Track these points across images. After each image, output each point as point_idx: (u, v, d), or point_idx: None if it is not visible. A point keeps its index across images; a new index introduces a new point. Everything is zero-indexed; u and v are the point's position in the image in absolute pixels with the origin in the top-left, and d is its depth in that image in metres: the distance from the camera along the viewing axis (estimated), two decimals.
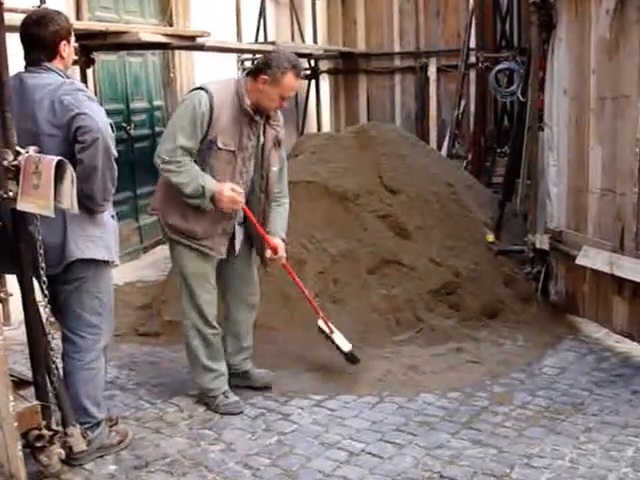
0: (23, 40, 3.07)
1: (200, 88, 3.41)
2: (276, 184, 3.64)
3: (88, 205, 3.01)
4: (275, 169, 3.59)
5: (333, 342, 4.05)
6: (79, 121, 2.91)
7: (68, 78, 3.06)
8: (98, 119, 2.93)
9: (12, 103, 2.82)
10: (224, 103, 3.35)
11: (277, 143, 3.59)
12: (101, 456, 3.24)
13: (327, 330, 4.05)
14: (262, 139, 3.54)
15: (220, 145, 3.38)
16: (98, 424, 3.23)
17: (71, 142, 2.94)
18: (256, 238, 3.69)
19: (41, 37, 3.03)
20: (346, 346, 4.04)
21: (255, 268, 3.84)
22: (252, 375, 3.93)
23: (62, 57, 3.08)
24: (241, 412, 3.66)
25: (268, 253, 3.64)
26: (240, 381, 3.90)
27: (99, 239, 3.08)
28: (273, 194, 3.64)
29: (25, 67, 3.07)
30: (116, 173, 3.05)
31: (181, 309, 3.66)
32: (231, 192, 3.38)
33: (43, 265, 2.89)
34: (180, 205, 3.44)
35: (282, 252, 3.68)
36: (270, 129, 3.55)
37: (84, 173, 2.91)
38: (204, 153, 3.39)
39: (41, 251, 2.87)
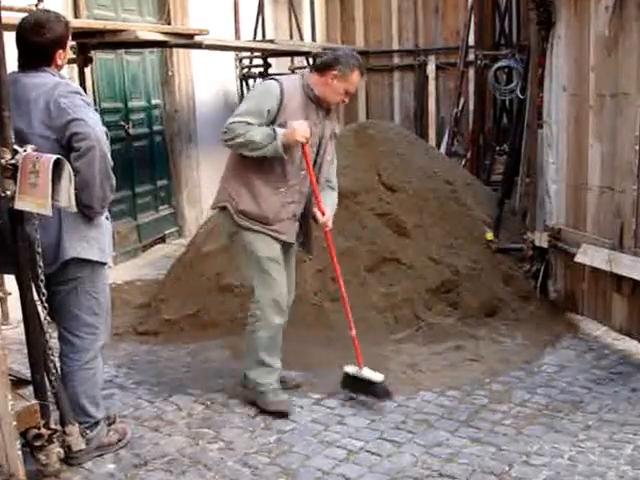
0: (18, 44, 3.03)
1: (270, 79, 3.66)
2: (326, 174, 3.75)
3: (87, 213, 3.01)
4: (329, 159, 3.74)
5: (362, 379, 3.75)
6: (75, 127, 2.89)
7: (62, 78, 3.05)
8: (94, 126, 2.91)
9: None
10: (293, 91, 3.53)
11: (333, 135, 3.74)
12: (100, 455, 3.24)
13: (354, 370, 3.77)
14: (323, 129, 3.67)
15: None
16: (97, 423, 3.23)
17: (63, 146, 2.91)
18: (302, 227, 3.75)
19: (38, 46, 3.01)
20: (378, 377, 3.75)
21: (295, 270, 3.89)
22: (283, 376, 3.84)
23: (57, 65, 3.05)
24: (289, 412, 3.61)
25: (319, 216, 3.66)
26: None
27: (93, 239, 3.07)
28: (323, 183, 3.74)
29: (19, 69, 3.04)
30: (114, 181, 3.04)
31: (254, 300, 3.63)
32: (300, 123, 3.45)
33: (41, 264, 2.89)
34: (251, 190, 3.53)
35: (330, 215, 3.71)
36: (329, 122, 3.70)
37: (82, 182, 2.89)
38: None
39: (39, 250, 2.87)
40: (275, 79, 3.60)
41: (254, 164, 3.51)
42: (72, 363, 3.16)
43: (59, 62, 3.06)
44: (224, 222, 3.68)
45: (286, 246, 3.70)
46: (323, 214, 3.68)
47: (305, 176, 3.59)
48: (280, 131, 3.41)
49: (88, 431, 3.15)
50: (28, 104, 2.94)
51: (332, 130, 3.72)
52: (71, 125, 2.89)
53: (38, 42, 3.00)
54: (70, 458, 3.10)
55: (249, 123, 3.43)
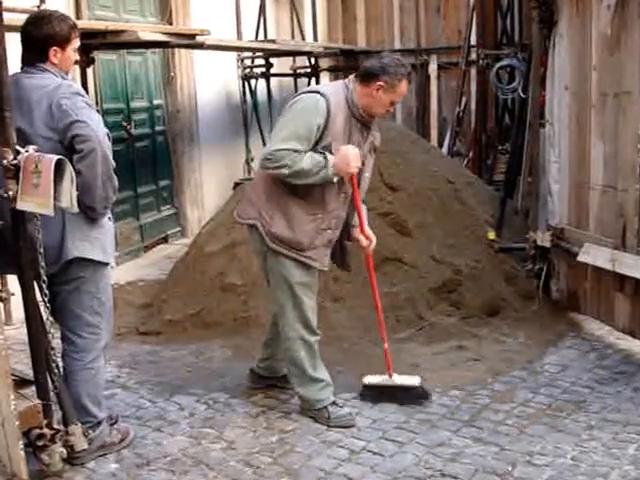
0: (21, 37, 3.05)
1: (315, 92, 3.30)
2: (365, 190, 3.55)
3: (89, 214, 3.02)
4: (367, 175, 3.52)
5: (394, 387, 3.72)
6: (76, 129, 2.89)
7: (65, 79, 3.05)
8: (96, 128, 2.91)
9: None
10: (338, 108, 3.26)
11: (373, 149, 3.52)
12: (102, 455, 3.24)
13: (381, 379, 3.74)
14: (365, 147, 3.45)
15: (334, 151, 3.26)
16: (99, 423, 3.23)
17: (66, 147, 2.92)
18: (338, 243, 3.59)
19: (33, 38, 3.02)
20: (414, 380, 3.73)
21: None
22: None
23: (52, 62, 3.04)
24: (353, 425, 3.49)
25: (363, 241, 3.54)
26: (276, 383, 3.87)
27: (96, 240, 3.08)
28: (363, 198, 3.56)
29: (21, 67, 3.06)
30: (117, 183, 3.05)
31: (285, 322, 3.49)
32: (352, 149, 3.25)
33: (43, 264, 2.89)
34: (286, 214, 3.32)
35: (374, 239, 3.58)
36: (369, 135, 3.45)
37: (84, 184, 2.90)
38: None
39: (41, 250, 2.87)
40: (321, 92, 3.27)
41: (290, 187, 3.29)
42: (74, 363, 3.16)
43: (54, 61, 3.04)
44: (253, 240, 3.48)
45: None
46: (367, 238, 3.54)
47: (345, 200, 3.41)
48: (331, 159, 3.19)
49: (90, 431, 3.15)
50: (30, 105, 2.94)
51: (372, 143, 3.48)
52: (73, 127, 2.89)
53: (34, 35, 3.01)
54: (73, 458, 3.10)
55: (296, 150, 3.16)
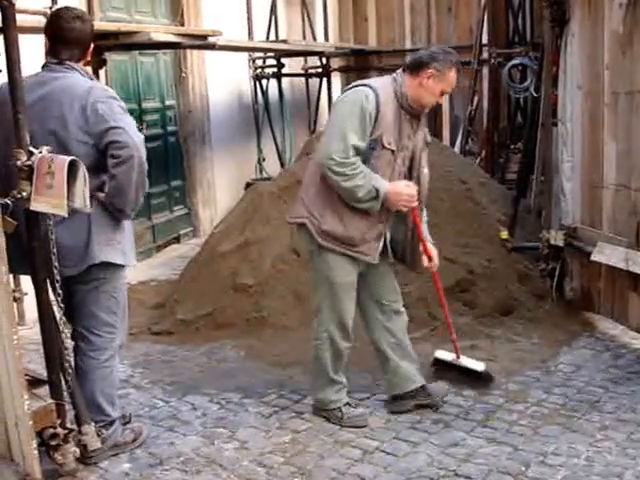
0: (56, 34, 3.02)
1: (363, 85, 3.29)
2: (425, 187, 3.45)
3: (118, 216, 3.05)
4: (426, 171, 3.45)
5: (460, 367, 3.85)
6: (113, 135, 2.90)
7: (91, 79, 3.07)
8: (133, 135, 2.93)
9: (34, 103, 2.86)
10: (387, 101, 3.24)
11: (426, 144, 3.47)
12: (116, 454, 3.25)
13: (450, 357, 3.85)
14: (416, 140, 3.40)
15: (385, 144, 3.23)
16: (112, 422, 3.24)
17: (101, 151, 2.94)
18: (400, 242, 3.51)
19: (82, 33, 3.03)
20: (479, 365, 3.83)
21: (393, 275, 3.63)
22: (429, 388, 3.67)
23: (87, 59, 3.08)
24: (366, 426, 3.48)
25: (425, 261, 3.50)
26: (419, 399, 3.62)
27: (118, 243, 3.11)
28: (424, 198, 3.47)
29: (45, 64, 3.04)
30: (147, 186, 3.08)
31: (319, 321, 3.45)
32: (408, 189, 3.27)
33: (56, 264, 2.90)
34: (337, 210, 3.28)
35: (437, 260, 3.54)
36: (420, 130, 3.41)
37: (117, 188, 2.95)
38: (367, 152, 3.22)
39: (54, 250, 2.89)
40: (369, 86, 3.25)
41: None
42: (90, 361, 3.17)
43: (88, 57, 3.09)
44: (302, 239, 3.45)
45: (380, 259, 3.45)
46: (430, 259, 3.49)
47: None
48: (383, 190, 3.17)
49: (104, 430, 3.16)
50: (61, 106, 2.93)
51: (424, 137, 3.43)
52: (109, 133, 2.90)
53: (83, 29, 3.03)
54: (86, 457, 3.11)
55: (355, 148, 3.14)
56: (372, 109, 3.18)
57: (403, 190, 3.25)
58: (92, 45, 3.11)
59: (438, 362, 3.94)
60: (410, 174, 3.40)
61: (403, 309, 3.65)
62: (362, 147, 3.19)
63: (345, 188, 3.19)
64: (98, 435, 3.07)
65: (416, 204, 3.33)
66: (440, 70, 3.28)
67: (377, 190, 3.18)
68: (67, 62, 3.02)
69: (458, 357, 3.86)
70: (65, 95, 2.94)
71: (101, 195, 3.02)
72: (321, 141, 3.31)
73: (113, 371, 3.26)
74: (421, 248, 3.50)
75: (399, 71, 3.37)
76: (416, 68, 3.29)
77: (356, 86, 3.33)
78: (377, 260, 3.43)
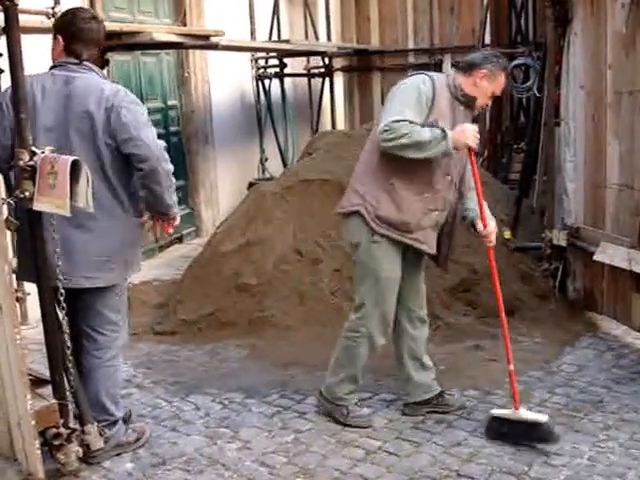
0: (75, 34, 3.04)
1: (418, 74, 3.37)
2: (469, 180, 3.47)
3: (164, 219, 3.20)
4: (458, 165, 3.44)
5: (519, 422, 3.29)
6: (134, 148, 2.96)
7: (105, 78, 3.13)
8: (154, 147, 2.99)
9: (58, 101, 2.93)
10: (442, 89, 3.29)
11: None
12: (118, 454, 3.25)
13: (508, 412, 3.35)
14: None
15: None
16: (115, 422, 3.24)
17: (124, 154, 3.00)
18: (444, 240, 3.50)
19: (99, 33, 3.10)
20: (541, 417, 3.30)
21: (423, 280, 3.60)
22: (445, 398, 3.63)
23: (100, 58, 3.14)
24: (370, 426, 3.45)
25: (480, 226, 3.43)
26: (434, 406, 3.57)
27: (135, 258, 3.25)
28: (467, 189, 3.49)
29: (61, 63, 3.05)
30: (174, 185, 3.16)
31: (361, 316, 3.39)
32: (471, 125, 3.25)
33: (59, 263, 2.91)
34: (393, 196, 3.27)
35: (494, 231, 3.46)
36: (472, 121, 3.44)
37: (153, 196, 3.09)
38: None
39: (57, 250, 2.89)
40: (425, 74, 3.35)
41: (397, 168, 3.24)
42: (94, 360, 3.19)
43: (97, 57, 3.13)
44: (352, 228, 3.38)
45: (414, 260, 3.46)
46: (485, 226, 3.43)
47: (450, 183, 3.36)
48: (449, 131, 3.16)
49: (107, 430, 3.16)
50: (88, 106, 2.95)
51: None
52: (129, 144, 2.96)
53: (100, 29, 3.10)
54: (89, 457, 3.12)
55: (412, 122, 3.13)
56: (428, 93, 3.23)
57: (467, 126, 3.24)
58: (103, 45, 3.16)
59: (494, 420, 3.38)
60: (459, 168, 3.40)
61: (427, 318, 3.62)
62: (417, 123, 3.16)
63: (408, 144, 3.12)
64: (101, 435, 3.08)
65: (477, 143, 3.28)
66: (493, 72, 3.33)
67: (443, 129, 3.14)
68: (85, 62, 3.06)
69: (517, 408, 3.32)
70: (91, 95, 2.97)
71: (144, 219, 3.20)
72: (377, 125, 3.26)
73: (117, 370, 3.27)
74: (475, 214, 3.44)
75: (450, 70, 3.45)
76: (469, 68, 3.34)
77: (413, 75, 3.40)
78: (434, 250, 3.42)
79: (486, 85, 3.34)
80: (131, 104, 3.03)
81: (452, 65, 3.45)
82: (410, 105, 3.19)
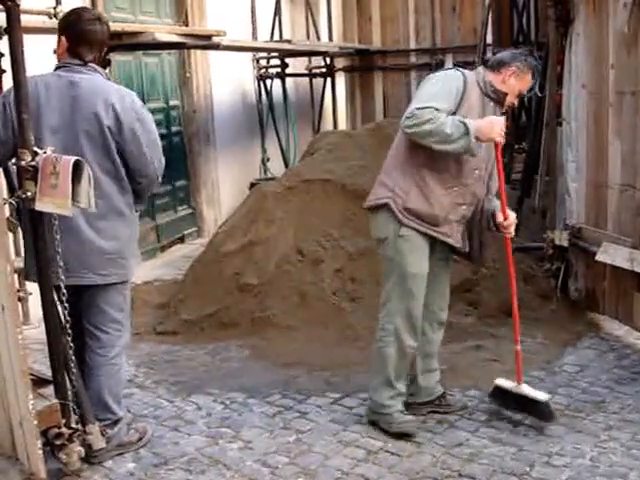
0: (80, 35, 3.05)
1: (449, 69, 3.41)
2: (495, 179, 3.46)
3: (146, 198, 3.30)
4: (485, 161, 3.42)
5: (521, 396, 3.47)
6: (140, 165, 3.07)
7: (108, 79, 3.14)
8: (158, 166, 3.12)
9: (65, 103, 2.94)
10: (472, 84, 3.28)
11: None
12: (120, 454, 3.25)
13: (511, 385, 3.52)
14: None
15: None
16: (118, 421, 3.24)
17: (124, 150, 3.06)
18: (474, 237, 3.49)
19: (104, 35, 3.11)
20: (542, 395, 3.45)
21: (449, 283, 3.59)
22: (447, 399, 3.63)
23: (101, 59, 3.15)
24: (415, 434, 3.37)
25: (499, 217, 3.40)
26: (436, 407, 3.59)
27: (136, 252, 3.29)
28: (493, 188, 3.48)
29: (65, 64, 3.06)
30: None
31: (387, 312, 3.37)
32: (498, 119, 3.23)
33: (61, 264, 2.91)
34: (423, 188, 3.25)
35: (514, 219, 3.44)
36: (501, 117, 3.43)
37: (139, 197, 3.21)
38: None
39: (59, 250, 2.89)
40: (456, 68, 3.37)
41: (426, 160, 3.22)
42: (98, 358, 3.19)
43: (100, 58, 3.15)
44: (380, 222, 3.34)
45: (441, 260, 3.45)
46: (506, 217, 3.40)
47: (479, 177, 3.34)
48: (473, 124, 3.10)
49: (109, 430, 3.17)
50: (95, 108, 2.97)
51: None
52: (138, 161, 3.07)
53: (104, 31, 3.10)
54: (91, 457, 3.12)
55: (437, 109, 3.08)
56: (459, 85, 3.22)
57: (495, 118, 3.22)
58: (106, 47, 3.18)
59: (498, 390, 3.58)
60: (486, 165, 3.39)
61: (445, 322, 3.60)
62: (444, 110, 3.12)
63: (431, 131, 3.08)
64: (102, 435, 3.08)
65: (503, 137, 3.27)
66: (521, 69, 3.34)
67: (464, 124, 3.10)
68: (90, 64, 3.06)
69: (519, 383, 3.49)
70: (98, 97, 2.99)
71: (139, 208, 3.28)
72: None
73: (120, 369, 3.27)
74: (496, 205, 3.43)
75: (478, 67, 3.43)
76: (498, 65, 3.35)
77: (442, 70, 3.44)
78: (460, 244, 3.40)
79: (514, 83, 3.34)
80: (142, 110, 3.09)
81: (481, 63, 3.40)
82: (438, 94, 3.16)
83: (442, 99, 3.15)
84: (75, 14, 3.11)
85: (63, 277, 2.93)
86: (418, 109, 3.09)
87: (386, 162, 3.43)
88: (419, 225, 3.27)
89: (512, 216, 3.44)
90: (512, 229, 3.44)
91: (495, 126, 3.19)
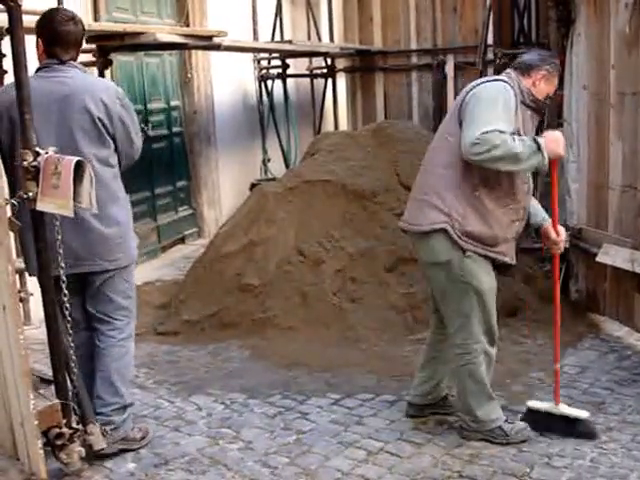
0: (53, 35, 3.07)
1: (495, 80, 3.22)
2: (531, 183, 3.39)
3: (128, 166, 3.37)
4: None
5: (560, 417, 3.38)
6: (130, 150, 3.27)
7: (87, 73, 3.23)
8: (138, 148, 3.32)
9: (56, 102, 3.01)
10: (517, 96, 3.18)
11: None
12: (123, 450, 3.26)
13: (546, 406, 3.43)
14: None
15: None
16: (125, 408, 3.27)
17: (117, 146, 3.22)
18: None
19: (78, 34, 3.13)
20: (583, 413, 3.38)
21: None
22: (448, 399, 3.60)
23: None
24: (528, 439, 3.30)
25: (552, 234, 3.36)
26: (439, 408, 3.56)
27: (134, 235, 3.33)
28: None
29: (45, 65, 3.09)
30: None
31: (468, 334, 3.25)
32: (557, 132, 3.20)
33: (62, 265, 2.92)
34: (480, 209, 3.14)
35: (565, 234, 3.44)
36: (534, 127, 3.37)
37: (124, 170, 3.33)
38: None
39: (60, 250, 2.90)
40: (502, 79, 3.20)
41: (481, 180, 3.12)
42: (107, 340, 3.27)
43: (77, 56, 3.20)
44: (437, 246, 3.19)
45: None
46: (558, 233, 3.37)
47: (528, 190, 3.27)
48: (543, 141, 3.03)
49: (116, 417, 3.21)
50: (84, 103, 3.06)
51: None
52: (127, 146, 3.24)
53: (77, 31, 3.13)
54: (94, 452, 3.10)
55: (502, 131, 2.97)
56: (512, 101, 3.12)
57: (558, 135, 3.16)
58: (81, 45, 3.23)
59: (531, 413, 3.45)
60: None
61: None
62: (508, 133, 3.02)
63: (501, 156, 2.98)
64: (103, 435, 3.08)
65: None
66: (551, 73, 3.27)
67: (535, 140, 3.03)
68: (69, 62, 3.11)
69: (557, 403, 3.40)
70: (86, 92, 3.07)
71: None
72: (464, 135, 3.05)
73: (129, 352, 3.33)
74: (548, 224, 3.38)
75: (509, 70, 3.32)
76: (528, 69, 3.26)
77: (491, 80, 3.25)
78: (514, 261, 3.36)
79: (543, 87, 3.26)
80: (127, 102, 3.21)
81: (510, 66, 3.27)
82: (498, 115, 3.04)
83: (505, 121, 3.03)
84: (48, 15, 3.12)
85: (64, 278, 2.95)
86: (483, 134, 2.96)
87: (431, 181, 3.24)
88: (478, 248, 3.17)
89: (563, 232, 3.40)
90: (562, 245, 3.41)
91: (560, 141, 3.13)
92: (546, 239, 3.43)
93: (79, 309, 3.26)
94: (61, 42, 3.08)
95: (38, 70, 3.12)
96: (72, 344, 3.02)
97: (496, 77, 3.32)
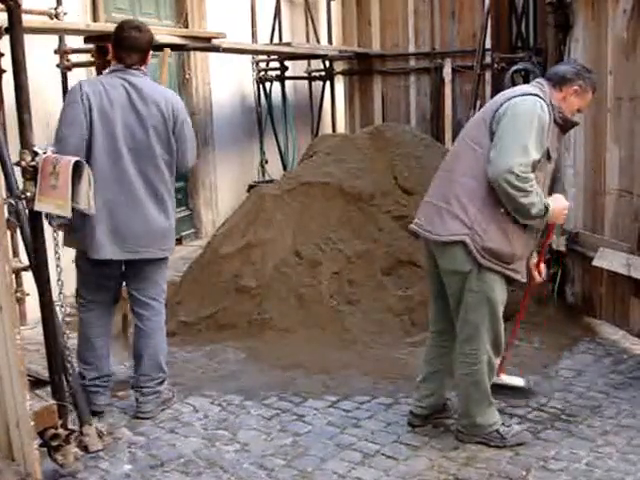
0: (118, 41, 3.47)
1: (530, 95, 3.15)
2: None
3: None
4: (548, 182, 3.34)
5: (507, 387, 3.70)
6: (185, 161, 3.61)
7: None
8: (190, 158, 3.64)
9: (133, 102, 3.39)
10: (550, 115, 3.16)
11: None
12: (163, 409, 3.63)
13: (501, 380, 3.66)
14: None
15: (551, 154, 3.18)
16: (164, 380, 3.69)
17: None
18: None
19: (140, 40, 3.47)
20: (520, 381, 3.76)
21: None
22: (447, 405, 3.59)
23: (146, 63, 3.52)
24: (528, 441, 3.34)
25: (537, 277, 3.52)
26: (439, 414, 3.54)
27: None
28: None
29: (117, 68, 3.46)
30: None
31: (477, 344, 3.24)
32: (566, 202, 3.27)
33: (61, 265, 2.92)
34: (502, 226, 3.12)
35: (544, 275, 3.60)
36: (561, 144, 3.44)
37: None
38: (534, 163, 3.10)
39: (58, 250, 2.90)
40: (539, 95, 3.13)
41: None
42: (153, 325, 3.63)
43: (147, 61, 3.55)
44: (459, 256, 3.15)
45: None
46: (540, 273, 3.52)
47: None
48: (551, 207, 3.09)
49: (159, 386, 3.63)
50: (159, 106, 3.43)
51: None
52: (181, 155, 3.56)
53: (138, 38, 3.46)
54: (141, 412, 3.60)
55: (535, 162, 3.01)
56: (546, 121, 3.09)
57: (565, 203, 3.24)
58: (150, 52, 3.55)
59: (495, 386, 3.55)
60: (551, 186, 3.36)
61: None
62: (538, 161, 3.07)
63: (522, 204, 3.04)
64: (99, 436, 3.08)
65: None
66: (584, 88, 3.23)
67: (547, 207, 3.09)
68: (140, 67, 3.46)
69: (499, 375, 3.61)
70: (161, 96, 3.46)
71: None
72: (496, 154, 3.04)
73: (164, 331, 3.71)
74: (535, 261, 3.52)
75: (541, 81, 3.28)
76: (560, 82, 3.22)
77: (526, 94, 3.17)
78: (525, 279, 3.36)
79: (575, 101, 3.23)
80: (187, 115, 3.61)
81: (543, 77, 3.22)
82: (534, 140, 3.03)
83: (537, 148, 3.04)
84: (119, 24, 3.54)
85: (62, 279, 2.99)
86: (525, 172, 2.98)
87: (455, 190, 3.19)
88: (494, 265, 3.15)
89: (544, 272, 3.58)
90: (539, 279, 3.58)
91: (565, 212, 3.23)
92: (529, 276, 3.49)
93: (111, 292, 3.63)
94: (124, 47, 3.44)
95: (111, 72, 3.49)
96: (68, 344, 3.02)
97: (530, 90, 3.21)
